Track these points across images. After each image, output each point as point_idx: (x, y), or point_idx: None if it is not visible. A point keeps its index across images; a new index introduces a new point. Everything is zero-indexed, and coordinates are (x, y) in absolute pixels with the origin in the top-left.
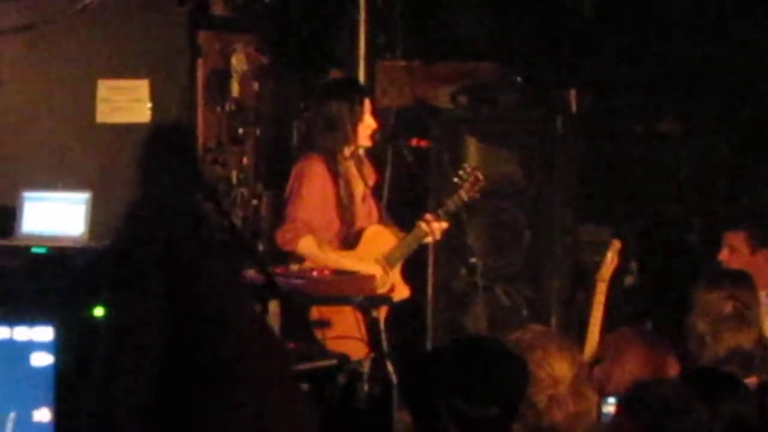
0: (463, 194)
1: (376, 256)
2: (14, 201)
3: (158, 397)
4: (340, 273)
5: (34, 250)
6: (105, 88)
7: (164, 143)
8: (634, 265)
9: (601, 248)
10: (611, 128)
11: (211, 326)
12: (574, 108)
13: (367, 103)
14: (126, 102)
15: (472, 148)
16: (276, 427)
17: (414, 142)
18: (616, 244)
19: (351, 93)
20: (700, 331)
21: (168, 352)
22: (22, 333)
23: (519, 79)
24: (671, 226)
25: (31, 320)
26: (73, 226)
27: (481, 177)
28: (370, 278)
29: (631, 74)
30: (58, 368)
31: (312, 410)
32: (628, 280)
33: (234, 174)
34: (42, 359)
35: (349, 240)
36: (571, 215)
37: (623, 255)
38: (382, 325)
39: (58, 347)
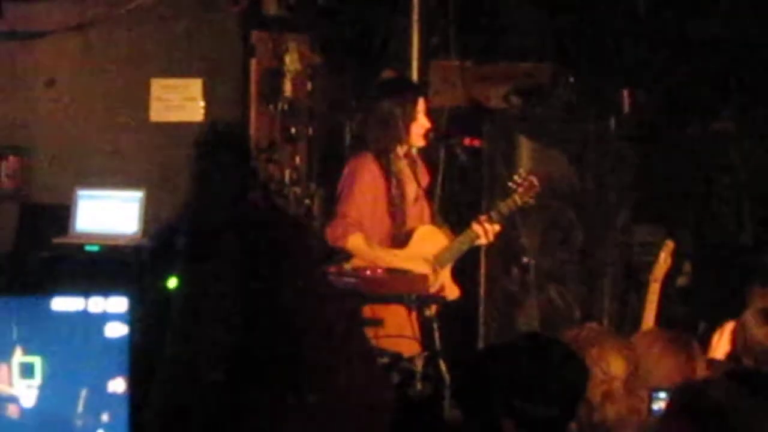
0: (518, 198)
1: (425, 255)
2: (69, 199)
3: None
4: (392, 271)
5: (88, 248)
6: (158, 86)
7: (217, 142)
8: (687, 266)
9: (655, 249)
10: (665, 128)
11: (285, 298)
12: (626, 108)
13: (420, 102)
14: (179, 101)
15: (525, 148)
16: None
17: (467, 141)
18: (670, 245)
19: (404, 92)
20: (754, 331)
21: (242, 323)
22: (96, 304)
23: (571, 79)
24: (724, 227)
25: (106, 291)
26: (126, 224)
27: (536, 182)
28: (423, 277)
29: (685, 73)
30: (132, 339)
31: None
32: (681, 281)
33: (287, 173)
34: (117, 330)
35: (400, 239)
36: (624, 215)
37: (676, 255)
38: (435, 324)
39: (132, 318)
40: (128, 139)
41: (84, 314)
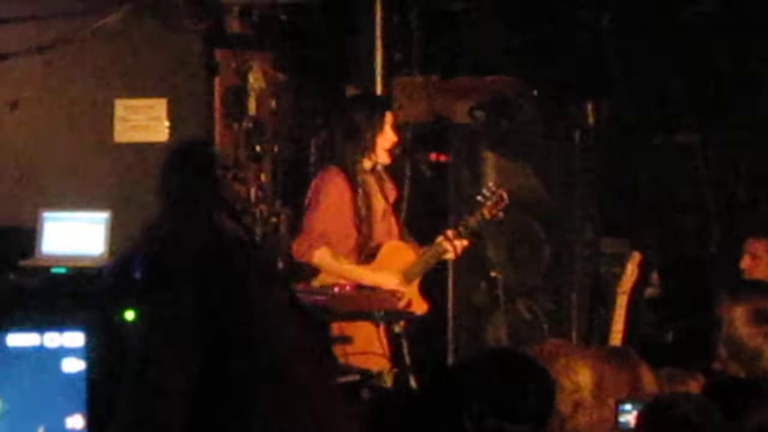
0: (486, 212)
1: (393, 270)
2: (34, 221)
3: (192, 401)
4: (361, 288)
5: (54, 270)
6: (122, 107)
7: (183, 162)
8: (655, 277)
9: (622, 260)
10: (629, 140)
11: (245, 329)
12: (591, 121)
13: (388, 115)
14: (144, 121)
15: (491, 162)
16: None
17: (432, 156)
18: (636, 256)
19: (371, 104)
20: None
21: (200, 355)
22: (52, 339)
23: (536, 92)
24: (691, 238)
25: (62, 326)
26: (92, 245)
27: (504, 196)
28: (392, 293)
29: (649, 86)
30: (89, 373)
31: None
32: (649, 292)
33: (253, 192)
34: (74, 365)
35: (367, 254)
36: (590, 228)
37: (643, 267)
38: (403, 340)
39: (89, 352)
40: (93, 160)
41: (40, 350)
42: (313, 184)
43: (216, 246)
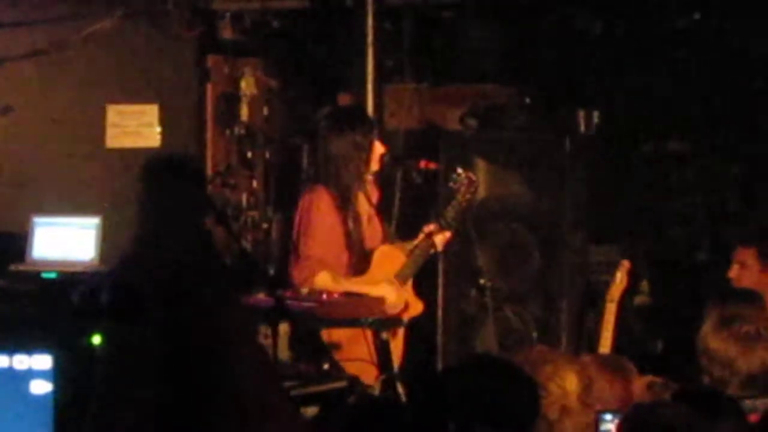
0: (461, 198)
1: (388, 276)
2: (25, 226)
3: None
4: (349, 295)
5: (45, 275)
6: (114, 112)
7: (173, 168)
8: (644, 285)
9: (611, 268)
10: (620, 148)
11: (209, 355)
12: (582, 129)
13: (374, 131)
14: (136, 126)
15: (481, 169)
16: None
17: (423, 163)
18: (626, 265)
19: (359, 127)
20: (713, 353)
21: (166, 379)
22: (21, 361)
23: (527, 100)
24: (680, 246)
25: (30, 348)
26: (83, 250)
27: (474, 177)
28: (380, 300)
29: (640, 94)
30: (57, 395)
31: None
32: (638, 300)
33: (244, 197)
34: (42, 387)
35: (360, 265)
36: (580, 236)
37: (633, 275)
38: (392, 347)
39: (57, 375)
40: (84, 165)
41: (9, 371)
42: (301, 205)
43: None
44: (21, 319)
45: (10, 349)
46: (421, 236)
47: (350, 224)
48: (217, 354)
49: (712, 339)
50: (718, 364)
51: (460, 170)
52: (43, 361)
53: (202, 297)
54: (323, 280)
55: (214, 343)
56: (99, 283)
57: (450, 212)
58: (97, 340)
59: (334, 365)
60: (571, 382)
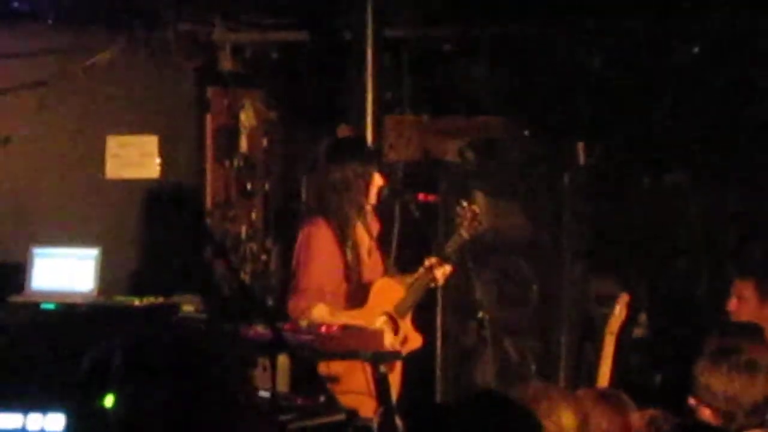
0: (463, 232)
1: (386, 309)
2: (24, 257)
3: None
4: (348, 328)
5: (44, 306)
6: (114, 143)
7: (172, 200)
8: (643, 317)
9: (610, 301)
10: (619, 181)
11: (220, 415)
12: (582, 161)
13: (374, 162)
14: (135, 157)
15: (480, 202)
16: None
17: (421, 196)
18: (625, 297)
19: (359, 156)
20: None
21: None
22: (35, 421)
23: (526, 133)
24: (679, 279)
25: (44, 408)
26: (82, 281)
27: (477, 210)
28: (378, 333)
29: (639, 127)
30: None
31: None
32: (637, 333)
33: (243, 229)
34: None
35: (358, 296)
36: (579, 268)
37: (632, 308)
38: (390, 380)
39: None
40: (84, 196)
41: None
42: (300, 238)
43: (190, 341)
44: (35, 378)
45: (25, 409)
46: (422, 269)
47: (349, 256)
48: (230, 413)
49: (713, 374)
50: (722, 399)
51: (464, 204)
52: (57, 421)
53: (212, 358)
54: (320, 312)
55: (226, 403)
56: (112, 344)
57: (452, 246)
58: (109, 401)
59: (332, 399)
60: (567, 418)
